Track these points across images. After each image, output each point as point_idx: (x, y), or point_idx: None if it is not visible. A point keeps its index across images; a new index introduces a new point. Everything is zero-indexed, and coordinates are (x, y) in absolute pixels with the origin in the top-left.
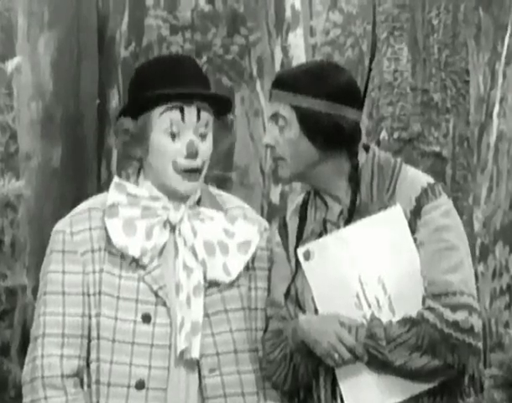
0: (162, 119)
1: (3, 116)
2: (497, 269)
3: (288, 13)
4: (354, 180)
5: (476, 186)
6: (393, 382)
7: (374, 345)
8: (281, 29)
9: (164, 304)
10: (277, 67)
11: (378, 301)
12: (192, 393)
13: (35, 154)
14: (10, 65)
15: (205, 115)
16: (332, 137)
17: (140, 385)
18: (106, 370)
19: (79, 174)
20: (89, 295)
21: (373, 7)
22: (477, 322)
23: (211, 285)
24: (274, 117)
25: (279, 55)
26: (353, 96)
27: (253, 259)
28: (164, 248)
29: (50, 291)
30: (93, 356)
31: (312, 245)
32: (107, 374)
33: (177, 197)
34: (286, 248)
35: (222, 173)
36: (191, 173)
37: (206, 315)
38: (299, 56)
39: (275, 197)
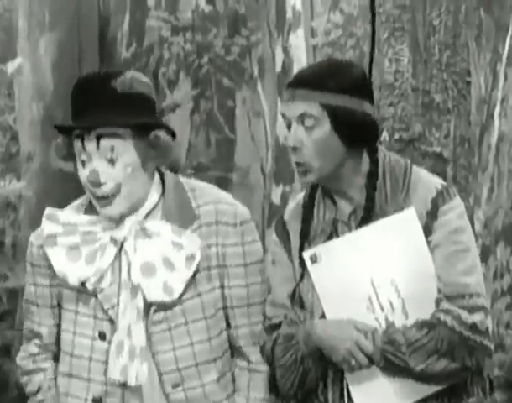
0: (75, 146)
1: (4, 117)
2: (498, 270)
3: (289, 14)
4: (375, 176)
5: (477, 187)
6: (403, 385)
7: (393, 351)
8: (282, 30)
9: (115, 323)
10: (278, 68)
11: (391, 304)
12: None
13: (36, 154)
14: (11, 66)
15: (106, 142)
16: (361, 132)
17: (97, 401)
18: (64, 383)
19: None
20: (58, 305)
21: (372, 8)
22: (490, 324)
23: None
24: (300, 117)
25: (280, 56)
26: (371, 92)
27: (224, 256)
28: (116, 266)
29: (27, 300)
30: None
31: (319, 248)
32: (66, 386)
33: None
34: (287, 248)
35: (222, 174)
36: (104, 199)
37: (169, 328)
38: (300, 57)
39: (276, 198)
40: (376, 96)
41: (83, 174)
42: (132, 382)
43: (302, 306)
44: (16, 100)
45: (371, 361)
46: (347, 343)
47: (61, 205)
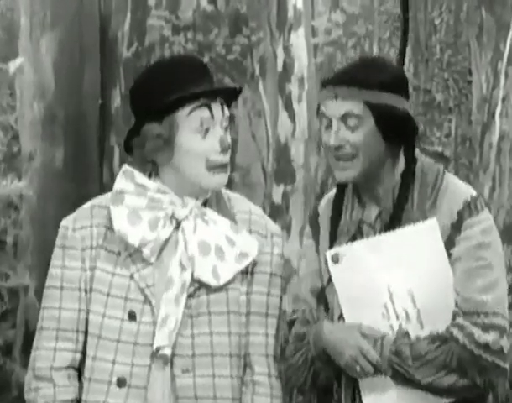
0: (191, 118)
1: (6, 116)
2: None
3: (290, 13)
4: (410, 175)
5: (478, 186)
6: (413, 393)
7: (399, 362)
8: (283, 29)
9: (150, 302)
10: (279, 67)
11: (406, 313)
12: (167, 392)
13: (37, 154)
14: (12, 65)
15: (226, 110)
16: (402, 129)
17: (121, 383)
18: (88, 366)
19: (81, 174)
20: (85, 291)
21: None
22: (506, 344)
23: (201, 286)
24: (344, 117)
25: (281, 55)
26: (408, 89)
27: (255, 264)
28: (167, 244)
29: (49, 286)
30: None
31: (342, 249)
32: (90, 369)
33: (202, 194)
34: (317, 240)
35: None
36: (223, 167)
37: (190, 316)
38: (300, 56)
39: (277, 197)
40: None
41: (204, 145)
42: (169, 352)
43: (327, 305)
44: (17, 99)
45: (378, 369)
46: (352, 350)
47: (62, 204)
